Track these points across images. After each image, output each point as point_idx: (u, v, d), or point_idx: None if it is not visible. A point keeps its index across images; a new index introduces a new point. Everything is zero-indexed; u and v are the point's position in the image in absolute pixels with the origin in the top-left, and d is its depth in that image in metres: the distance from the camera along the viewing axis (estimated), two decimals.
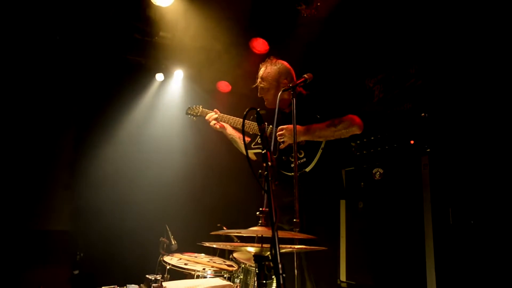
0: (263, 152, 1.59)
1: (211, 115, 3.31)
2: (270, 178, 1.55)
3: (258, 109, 1.81)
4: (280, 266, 1.32)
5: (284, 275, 1.31)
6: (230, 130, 3.33)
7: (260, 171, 1.60)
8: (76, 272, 4.70)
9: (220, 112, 3.34)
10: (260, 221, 1.71)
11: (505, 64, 3.28)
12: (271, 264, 1.34)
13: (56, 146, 4.81)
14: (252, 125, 3.11)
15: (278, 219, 1.46)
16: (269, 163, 1.55)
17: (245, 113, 1.69)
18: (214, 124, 3.29)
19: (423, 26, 4.08)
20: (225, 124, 3.32)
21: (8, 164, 4.42)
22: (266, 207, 1.78)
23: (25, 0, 4.19)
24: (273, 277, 1.47)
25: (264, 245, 1.56)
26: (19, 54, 4.45)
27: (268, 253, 1.51)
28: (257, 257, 1.57)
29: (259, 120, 1.74)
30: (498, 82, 3.31)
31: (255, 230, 1.68)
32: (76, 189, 4.87)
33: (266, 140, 1.65)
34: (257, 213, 1.74)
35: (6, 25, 4.23)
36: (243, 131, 1.68)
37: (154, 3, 4.21)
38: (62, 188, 4.87)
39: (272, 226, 1.40)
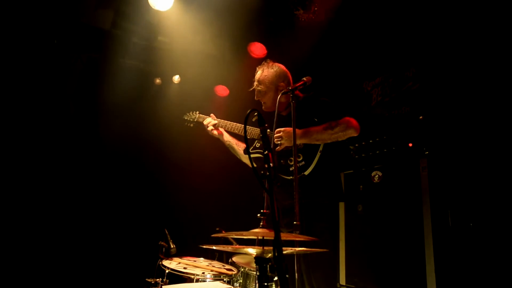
0: (265, 153, 1.59)
1: (209, 121, 3.24)
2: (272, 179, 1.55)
3: (255, 113, 1.79)
4: (283, 266, 1.32)
5: (287, 275, 1.31)
6: (226, 137, 3.28)
7: (262, 172, 1.59)
8: None
9: (217, 117, 3.27)
10: (261, 223, 1.70)
11: (502, 66, 3.30)
12: (275, 265, 1.33)
13: (54, 150, 4.79)
14: (249, 130, 3.07)
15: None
16: (271, 164, 1.55)
17: (246, 114, 1.66)
18: (212, 130, 3.22)
19: (420, 29, 4.11)
20: (222, 130, 3.26)
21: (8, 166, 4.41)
22: (266, 209, 1.78)
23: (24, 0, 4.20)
24: (274, 279, 1.46)
25: (266, 248, 1.56)
26: (20, 60, 4.45)
27: (270, 254, 1.50)
28: (259, 259, 1.57)
29: (261, 122, 1.73)
30: (496, 84, 3.34)
31: (257, 232, 1.67)
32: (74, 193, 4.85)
33: (267, 142, 1.65)
34: (258, 215, 1.73)
35: (5, 26, 4.24)
36: (245, 133, 1.66)
37: (153, 7, 4.23)
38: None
39: (275, 226, 1.40)
